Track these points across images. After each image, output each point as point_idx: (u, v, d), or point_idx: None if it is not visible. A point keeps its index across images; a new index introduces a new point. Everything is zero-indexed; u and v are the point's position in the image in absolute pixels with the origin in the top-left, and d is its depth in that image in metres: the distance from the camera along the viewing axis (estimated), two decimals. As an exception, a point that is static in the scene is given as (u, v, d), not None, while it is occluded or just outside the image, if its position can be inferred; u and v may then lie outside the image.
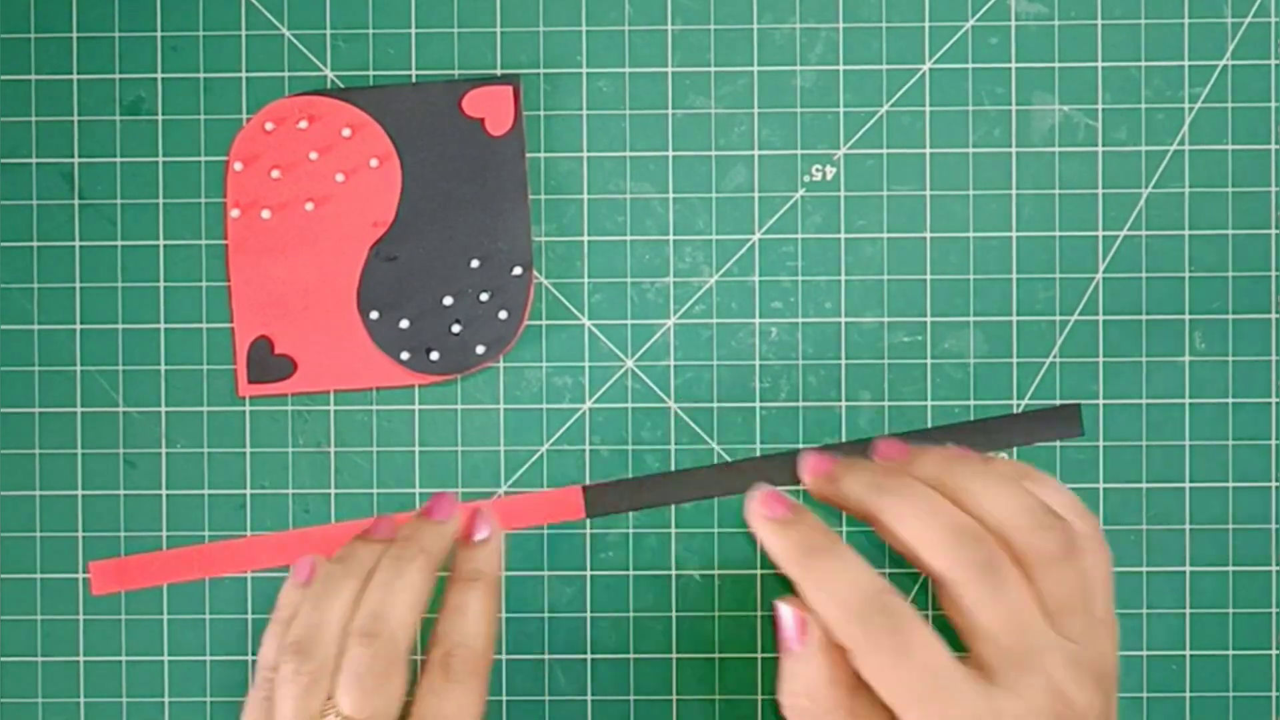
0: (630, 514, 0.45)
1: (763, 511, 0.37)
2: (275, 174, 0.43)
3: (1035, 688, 0.34)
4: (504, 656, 0.45)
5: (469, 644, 0.38)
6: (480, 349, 0.44)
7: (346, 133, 0.43)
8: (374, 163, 0.43)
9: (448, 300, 0.43)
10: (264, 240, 0.44)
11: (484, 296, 0.43)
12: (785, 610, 0.36)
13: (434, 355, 0.44)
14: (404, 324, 0.44)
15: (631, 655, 0.45)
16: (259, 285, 0.44)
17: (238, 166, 0.43)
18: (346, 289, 0.44)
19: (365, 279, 0.44)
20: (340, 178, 0.43)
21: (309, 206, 0.43)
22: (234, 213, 0.43)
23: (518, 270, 0.44)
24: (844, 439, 0.45)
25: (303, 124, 0.43)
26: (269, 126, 0.43)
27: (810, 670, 0.35)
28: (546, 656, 0.45)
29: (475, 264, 0.43)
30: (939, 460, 0.37)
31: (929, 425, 0.45)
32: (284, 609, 0.40)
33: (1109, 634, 0.36)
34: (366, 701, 0.36)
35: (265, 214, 0.43)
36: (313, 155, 0.43)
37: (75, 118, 0.45)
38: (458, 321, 0.43)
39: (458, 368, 0.44)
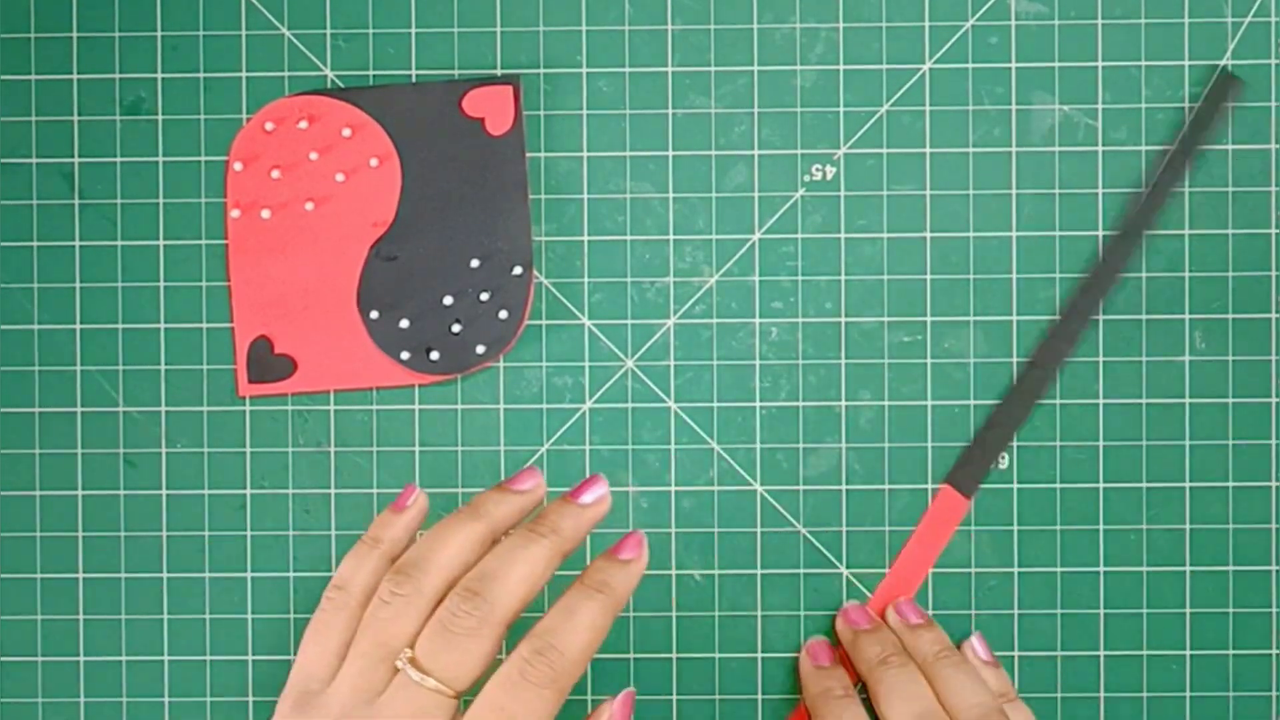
0: (630, 512, 0.45)
1: (845, 623, 0.44)
2: (275, 174, 0.43)
3: None
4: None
5: (561, 649, 0.35)
6: (480, 349, 0.44)
7: (346, 133, 0.43)
8: (374, 162, 0.43)
9: (448, 300, 0.43)
10: (264, 240, 0.44)
11: (484, 296, 0.43)
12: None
13: (434, 355, 0.44)
14: (404, 324, 0.44)
15: (631, 655, 0.45)
16: (259, 285, 0.44)
17: (238, 166, 0.43)
18: (346, 289, 0.44)
19: (365, 279, 0.44)
20: (340, 178, 0.43)
21: (309, 206, 0.43)
22: (234, 213, 0.43)
23: (518, 270, 0.44)
24: (844, 439, 0.45)
25: (303, 124, 0.43)
26: (269, 126, 0.43)
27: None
28: (546, 656, 0.45)
29: (475, 264, 0.43)
30: (930, 647, 0.43)
31: (929, 424, 0.45)
32: (376, 532, 0.40)
33: None
34: (443, 655, 0.35)
35: (265, 214, 0.43)
36: (313, 155, 0.43)
37: (75, 118, 0.45)
38: (458, 321, 0.43)
39: (458, 368, 0.44)
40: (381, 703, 0.35)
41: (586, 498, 0.38)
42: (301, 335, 0.44)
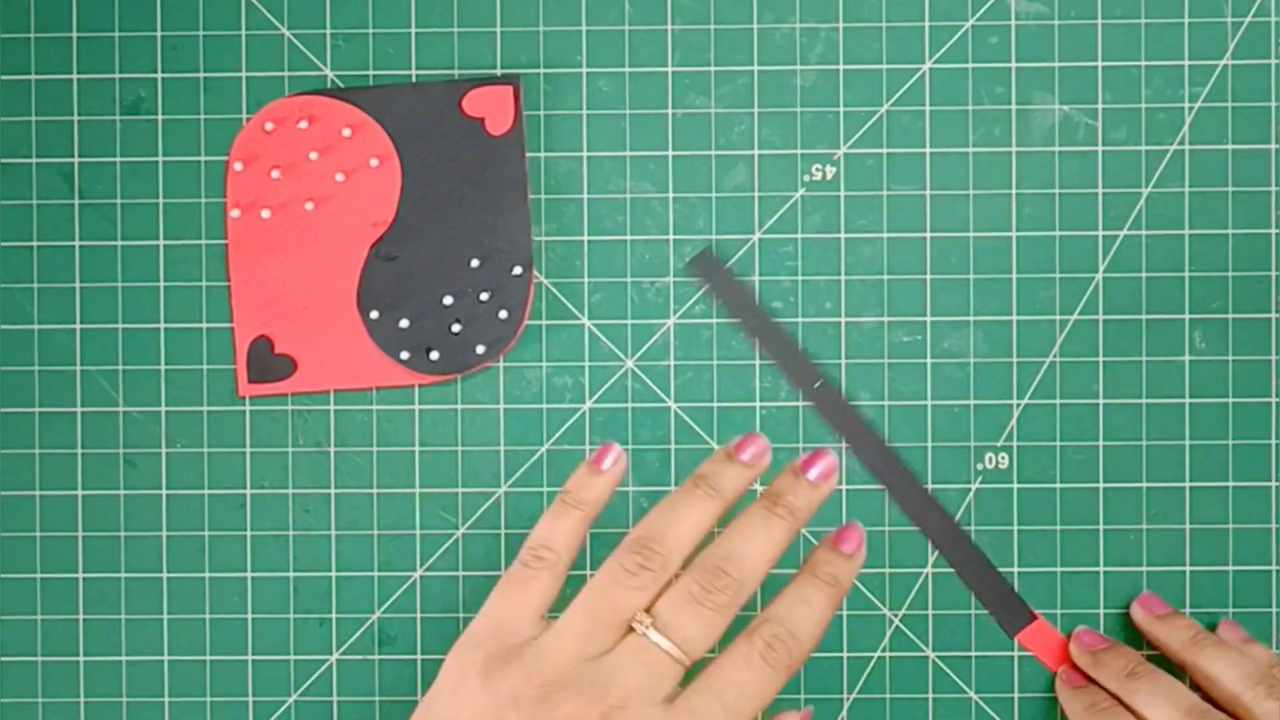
0: (630, 511, 0.45)
1: (1080, 646, 0.44)
2: (275, 174, 0.43)
3: None
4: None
5: (799, 637, 0.37)
6: (480, 349, 0.44)
7: (346, 133, 0.43)
8: (374, 162, 0.43)
9: (448, 300, 0.43)
10: (264, 240, 0.44)
11: (484, 296, 0.43)
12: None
13: (434, 355, 0.44)
14: (404, 324, 0.44)
15: (631, 655, 0.45)
16: (259, 285, 0.44)
17: (238, 166, 0.43)
18: (346, 289, 0.44)
19: (365, 279, 0.44)
20: (340, 177, 0.43)
21: (309, 206, 0.43)
22: (234, 213, 0.43)
23: (518, 270, 0.44)
24: (844, 439, 0.45)
25: (303, 124, 0.43)
26: (269, 126, 0.43)
27: None
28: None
29: (475, 264, 0.43)
30: (1185, 633, 0.43)
31: (929, 424, 0.45)
32: (574, 492, 0.40)
33: None
34: (687, 625, 0.36)
35: (265, 214, 0.43)
36: (313, 155, 0.43)
37: (75, 118, 0.45)
38: (458, 321, 0.43)
39: (458, 367, 0.44)
40: (611, 658, 0.36)
41: (813, 473, 0.39)
42: (301, 335, 0.44)
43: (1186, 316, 0.45)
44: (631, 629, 0.36)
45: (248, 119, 0.45)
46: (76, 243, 0.45)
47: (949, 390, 0.45)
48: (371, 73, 0.45)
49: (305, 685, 0.45)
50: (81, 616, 0.45)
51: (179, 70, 0.45)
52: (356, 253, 0.44)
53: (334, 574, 0.45)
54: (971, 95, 0.45)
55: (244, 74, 0.45)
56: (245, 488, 0.45)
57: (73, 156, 0.45)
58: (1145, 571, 0.45)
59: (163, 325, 0.45)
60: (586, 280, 0.45)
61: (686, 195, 0.45)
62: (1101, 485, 0.45)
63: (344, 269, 0.44)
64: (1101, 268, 0.45)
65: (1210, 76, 0.45)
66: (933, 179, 0.45)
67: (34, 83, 0.45)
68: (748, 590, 0.37)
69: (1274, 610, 0.45)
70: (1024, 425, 0.45)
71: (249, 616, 0.45)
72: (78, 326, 0.45)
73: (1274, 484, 0.45)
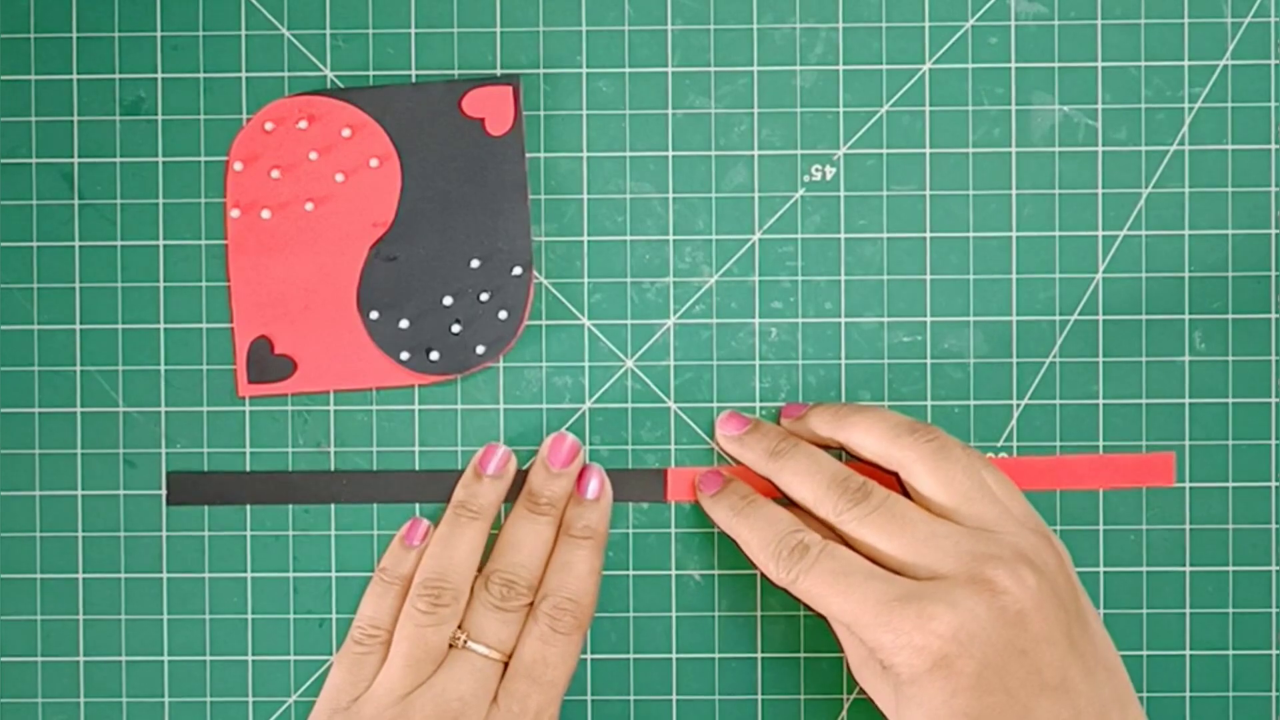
0: (630, 513, 0.45)
1: (725, 432, 0.44)
2: (275, 174, 0.43)
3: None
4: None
5: (576, 599, 0.42)
6: (480, 349, 0.44)
7: (346, 133, 0.43)
8: (374, 163, 0.43)
9: (448, 300, 0.43)
10: (264, 240, 0.44)
11: (484, 296, 0.43)
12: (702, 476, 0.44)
13: (434, 355, 0.44)
14: (404, 324, 0.44)
15: (631, 655, 0.45)
16: (259, 285, 0.44)
17: (238, 166, 0.43)
18: (346, 289, 0.44)
19: (365, 279, 0.44)
20: (340, 178, 0.43)
21: (309, 206, 0.43)
22: (234, 213, 0.43)
23: (518, 270, 0.44)
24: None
25: (302, 124, 0.43)
26: (269, 126, 0.43)
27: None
28: (546, 656, 0.45)
29: (475, 264, 0.43)
30: (824, 416, 0.43)
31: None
32: (390, 567, 0.43)
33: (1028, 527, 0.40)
34: (498, 632, 0.41)
35: (265, 214, 0.43)
36: (312, 155, 0.43)
37: (75, 118, 0.45)
38: (458, 321, 0.43)
39: (458, 368, 0.44)
40: (441, 678, 0.41)
41: (555, 466, 0.43)
42: (301, 335, 0.44)
43: (1186, 316, 0.45)
44: (451, 648, 0.41)
45: (248, 119, 0.45)
46: (76, 243, 0.45)
47: (949, 390, 0.45)
48: (371, 73, 0.45)
49: (305, 685, 0.45)
50: (81, 616, 0.45)
51: (179, 70, 0.45)
52: (356, 253, 0.44)
53: (334, 574, 0.45)
54: (971, 95, 0.45)
55: (244, 74, 0.45)
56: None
57: (73, 156, 0.45)
58: (1145, 572, 0.45)
59: (162, 325, 0.45)
60: (586, 280, 0.45)
61: (686, 195, 0.45)
62: (1100, 491, 0.45)
63: (344, 269, 0.44)
64: (1101, 268, 0.45)
65: (1210, 76, 0.45)
66: (933, 179, 0.45)
67: (34, 83, 0.45)
68: (535, 582, 0.42)
69: (1274, 610, 0.45)
70: (1024, 425, 0.45)
71: (249, 616, 0.45)
72: (78, 327, 0.45)
73: (1274, 484, 0.45)
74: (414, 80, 0.45)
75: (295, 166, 0.44)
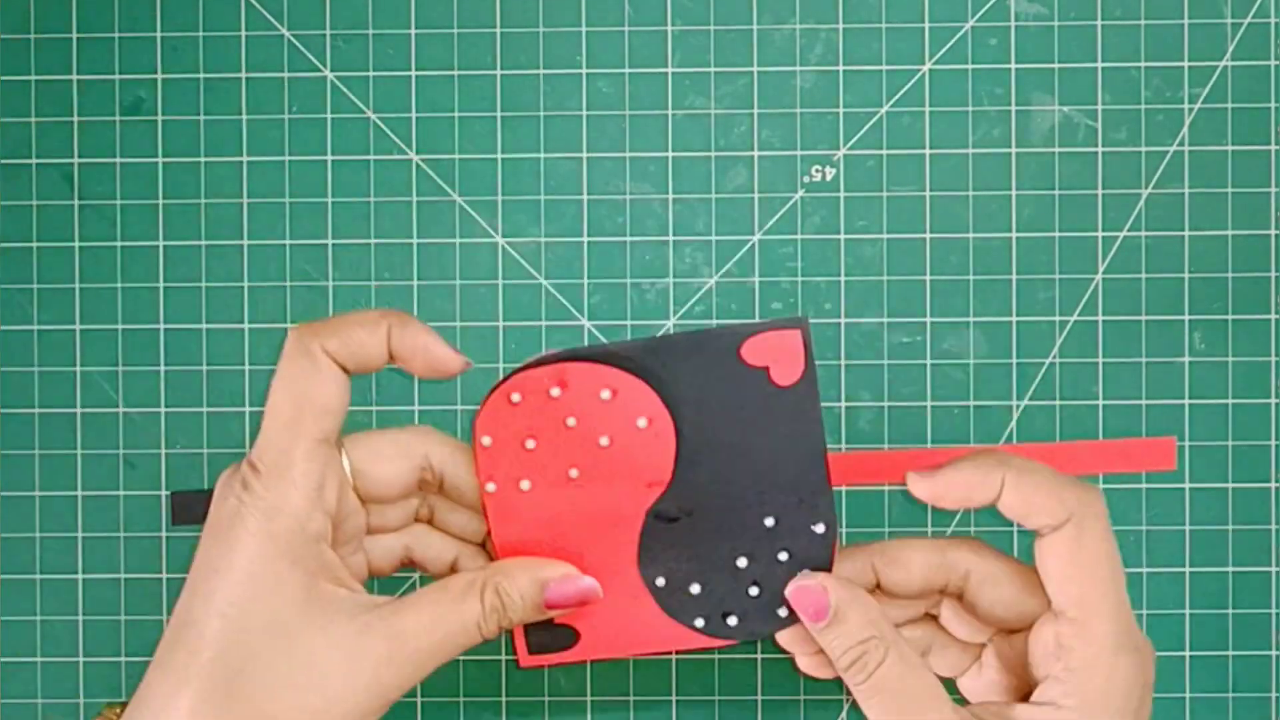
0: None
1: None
2: (530, 444, 0.38)
3: None
4: (503, 657, 0.45)
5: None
6: (783, 612, 0.38)
7: (606, 395, 0.38)
8: (642, 423, 0.38)
9: (741, 562, 0.38)
10: (528, 511, 0.39)
11: (782, 556, 0.38)
12: (804, 589, 0.37)
13: (731, 621, 0.39)
14: (695, 589, 0.39)
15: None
16: (530, 556, 0.39)
17: (486, 441, 0.38)
18: (626, 553, 0.39)
19: (645, 542, 0.39)
20: (605, 440, 0.38)
21: (574, 473, 0.38)
22: (489, 486, 0.38)
23: (820, 528, 0.38)
24: (844, 439, 0.45)
25: (555, 391, 0.38)
26: (515, 398, 0.38)
27: (859, 611, 0.37)
28: (546, 657, 0.45)
29: (770, 522, 0.38)
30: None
31: (929, 425, 0.45)
32: None
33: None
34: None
35: (525, 485, 0.38)
36: (570, 421, 0.38)
37: (75, 118, 0.45)
38: (755, 585, 0.38)
39: (760, 632, 0.39)
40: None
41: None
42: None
43: (1186, 317, 0.45)
44: None
45: (491, 391, 0.38)
46: (76, 243, 0.45)
47: (949, 391, 0.45)
48: (371, 73, 0.45)
49: (305, 685, 0.45)
50: (81, 616, 0.45)
51: (179, 70, 0.45)
52: (633, 516, 0.39)
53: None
54: (971, 96, 0.45)
55: (244, 74, 0.45)
56: (245, 488, 0.45)
57: (73, 157, 0.45)
58: (1145, 572, 0.45)
59: (162, 326, 0.45)
60: (586, 281, 0.45)
61: (686, 196, 0.45)
62: (1102, 485, 0.45)
63: (620, 533, 0.39)
64: (1101, 268, 0.45)
65: (1210, 77, 0.45)
66: (932, 180, 0.45)
67: (34, 83, 0.45)
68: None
69: (1274, 611, 0.45)
70: (1024, 426, 0.45)
71: (249, 617, 0.45)
72: (77, 327, 0.45)
73: (1274, 484, 0.45)
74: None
75: (553, 435, 0.39)
